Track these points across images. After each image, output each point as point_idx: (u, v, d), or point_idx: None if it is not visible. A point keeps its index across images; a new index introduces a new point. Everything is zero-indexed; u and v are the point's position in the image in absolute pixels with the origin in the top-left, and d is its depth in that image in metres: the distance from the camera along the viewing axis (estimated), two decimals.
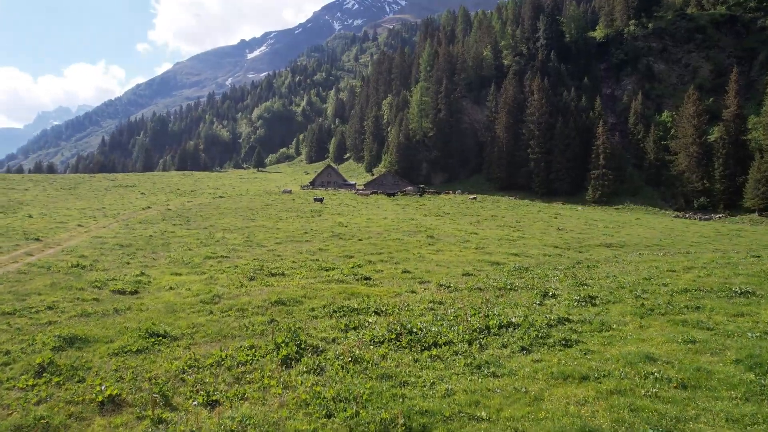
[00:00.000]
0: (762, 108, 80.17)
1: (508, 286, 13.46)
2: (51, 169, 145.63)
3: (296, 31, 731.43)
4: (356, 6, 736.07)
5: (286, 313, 10.17)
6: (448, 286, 13.51)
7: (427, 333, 8.13)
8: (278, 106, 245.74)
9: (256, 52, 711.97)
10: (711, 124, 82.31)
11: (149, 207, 44.68)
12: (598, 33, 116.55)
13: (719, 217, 71.45)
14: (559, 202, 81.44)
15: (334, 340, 8.25)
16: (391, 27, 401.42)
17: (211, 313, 10.10)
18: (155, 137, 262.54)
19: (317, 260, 19.04)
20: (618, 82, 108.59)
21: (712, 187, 76.56)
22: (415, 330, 8.23)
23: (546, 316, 9.15)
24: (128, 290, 12.09)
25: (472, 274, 16.06)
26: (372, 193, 74.74)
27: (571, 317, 9.28)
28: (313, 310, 10.44)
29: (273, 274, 15.49)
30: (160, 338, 8.35)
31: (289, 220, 35.19)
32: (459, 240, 26.87)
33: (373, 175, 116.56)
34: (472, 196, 74.78)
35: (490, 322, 8.60)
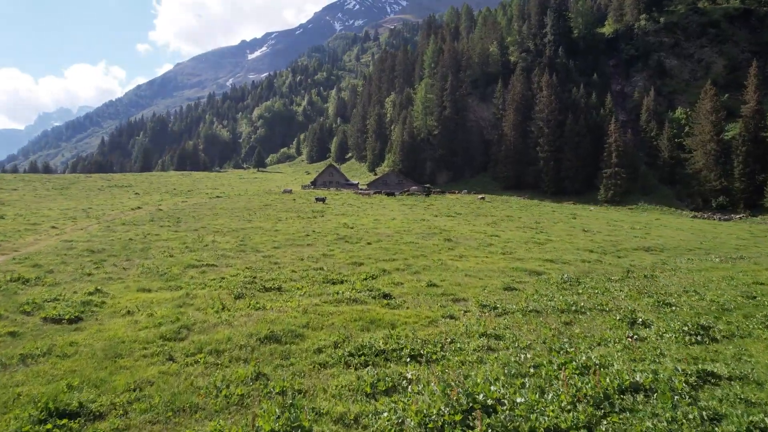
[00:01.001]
0: None
1: (572, 308, 10.31)
2: (47, 169, 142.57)
3: (297, 32, 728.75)
4: (357, 6, 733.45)
5: (281, 357, 6.99)
6: (494, 308, 10.36)
7: (512, 410, 4.90)
8: (279, 106, 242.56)
9: (257, 53, 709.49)
10: (727, 121, 79.00)
11: (139, 207, 41.63)
12: (607, 28, 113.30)
13: (740, 217, 68.18)
14: (569, 201, 78.23)
15: (357, 421, 4.97)
16: (393, 27, 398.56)
17: (171, 359, 6.90)
18: (155, 137, 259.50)
19: (321, 269, 15.94)
20: (628, 79, 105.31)
21: (731, 186, 73.26)
22: (489, 403, 4.96)
23: (676, 368, 5.98)
24: (68, 317, 8.84)
25: (514, 288, 12.91)
26: (375, 193, 71.58)
27: (710, 368, 6.13)
28: (319, 351, 7.25)
29: (267, 289, 12.37)
30: (66, 421, 5.09)
31: (289, 221, 32.07)
32: (481, 243, 23.72)
33: (376, 174, 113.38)
34: (480, 196, 71.61)
35: (603, 382, 5.43)
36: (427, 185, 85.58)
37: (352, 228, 28.29)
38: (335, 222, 31.81)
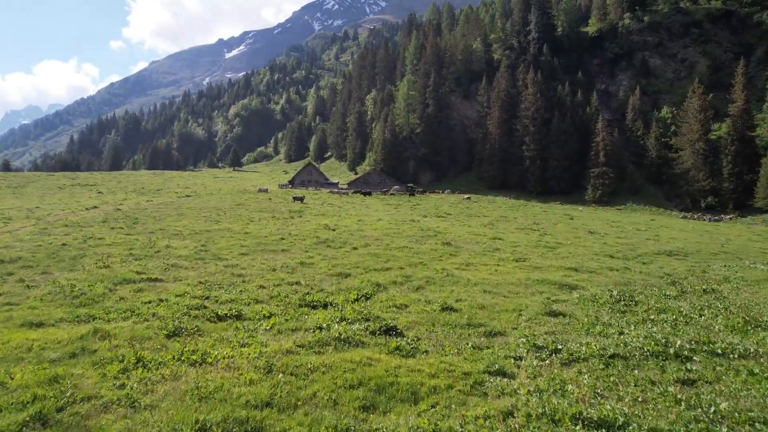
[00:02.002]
0: (764, 104, 76.31)
1: (669, 349, 6.99)
2: (7, 168, 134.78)
3: (275, 31, 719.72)
4: (336, 6, 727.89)
5: None
6: (555, 350, 6.97)
7: None
8: (256, 104, 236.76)
9: (235, 52, 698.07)
10: (712, 121, 77.84)
11: (95, 207, 37.28)
12: (591, 27, 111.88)
13: (729, 218, 66.84)
14: (556, 202, 75.97)
15: None
16: (372, 27, 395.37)
17: None
18: (127, 136, 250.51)
19: (298, 283, 12.40)
20: (612, 78, 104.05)
21: (719, 186, 72.01)
22: None
23: None
24: None
25: (560, 313, 9.55)
26: (354, 192, 67.85)
27: None
28: None
29: (220, 318, 8.78)
30: None
31: (263, 222, 28.30)
32: (485, 248, 20.41)
33: (356, 173, 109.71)
34: (465, 196, 68.69)
35: None
36: (410, 185, 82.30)
37: (334, 230, 24.72)
38: (315, 223, 28.17)
